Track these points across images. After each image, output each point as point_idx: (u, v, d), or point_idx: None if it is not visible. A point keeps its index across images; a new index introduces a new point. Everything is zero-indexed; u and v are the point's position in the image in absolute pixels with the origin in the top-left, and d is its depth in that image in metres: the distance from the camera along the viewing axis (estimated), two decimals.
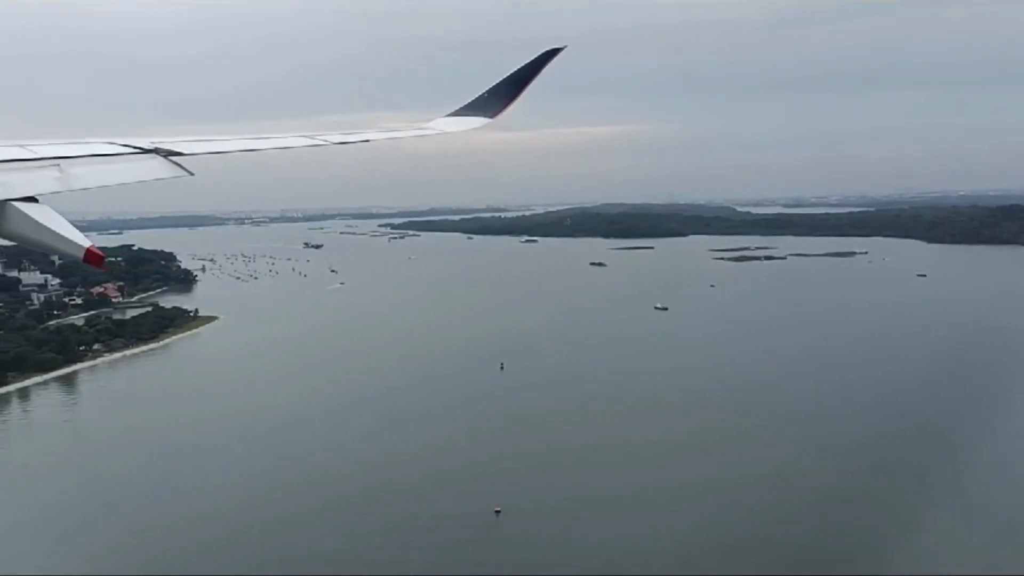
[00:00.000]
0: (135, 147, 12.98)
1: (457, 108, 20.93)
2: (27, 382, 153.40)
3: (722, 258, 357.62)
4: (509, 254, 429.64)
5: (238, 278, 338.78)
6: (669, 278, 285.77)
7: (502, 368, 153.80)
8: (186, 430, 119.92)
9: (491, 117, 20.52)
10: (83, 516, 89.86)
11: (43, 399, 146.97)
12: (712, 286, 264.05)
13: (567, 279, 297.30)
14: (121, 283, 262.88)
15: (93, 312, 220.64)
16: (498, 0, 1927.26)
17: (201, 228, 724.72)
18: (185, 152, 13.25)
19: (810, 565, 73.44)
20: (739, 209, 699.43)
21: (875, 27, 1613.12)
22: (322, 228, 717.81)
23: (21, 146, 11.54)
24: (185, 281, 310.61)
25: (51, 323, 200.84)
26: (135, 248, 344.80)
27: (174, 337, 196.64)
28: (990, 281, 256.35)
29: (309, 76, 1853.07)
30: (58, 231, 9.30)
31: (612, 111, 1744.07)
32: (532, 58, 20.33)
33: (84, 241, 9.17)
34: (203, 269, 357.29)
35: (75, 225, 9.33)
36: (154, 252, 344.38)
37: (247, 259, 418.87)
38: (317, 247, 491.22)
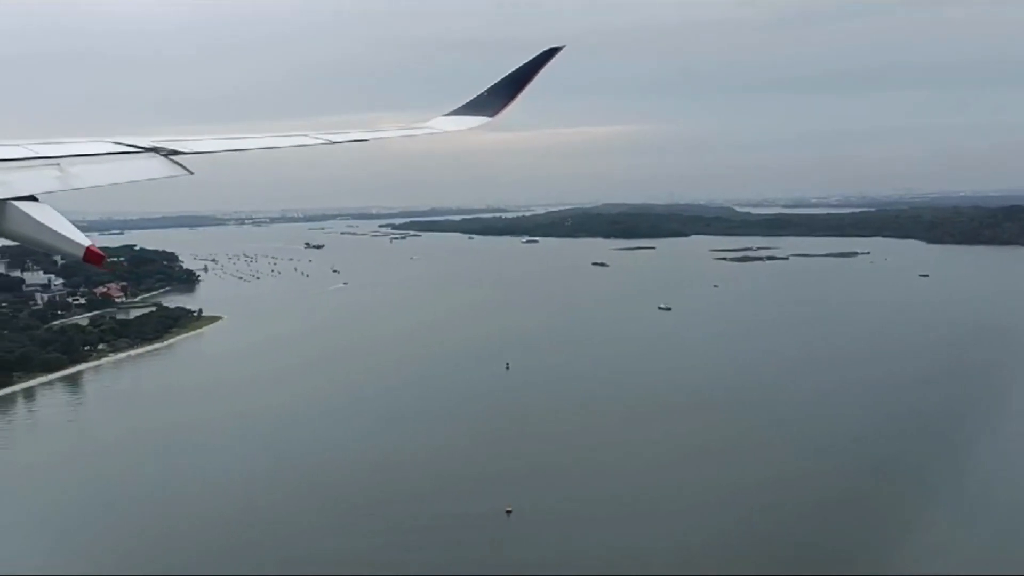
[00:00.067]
0: (135, 146, 12.98)
1: (456, 107, 20.91)
2: (32, 382, 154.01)
3: (724, 258, 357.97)
4: (511, 254, 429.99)
5: (240, 278, 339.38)
6: (672, 278, 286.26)
7: (508, 367, 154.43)
8: (196, 430, 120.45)
9: (490, 116, 20.47)
10: (88, 516, 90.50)
11: (48, 399, 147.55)
12: (715, 286, 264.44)
13: (570, 279, 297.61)
14: (124, 283, 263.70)
15: (97, 312, 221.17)
16: (498, 0, 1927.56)
17: (201, 228, 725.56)
18: (185, 151, 13.25)
19: (810, 565, 73.83)
20: (739, 209, 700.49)
21: (875, 27, 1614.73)
22: (323, 228, 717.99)
23: (21, 145, 11.47)
24: (188, 281, 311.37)
25: (55, 323, 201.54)
26: (137, 248, 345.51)
27: (178, 337, 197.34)
28: (993, 282, 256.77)
29: (309, 76, 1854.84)
30: (58, 230, 9.28)
31: (612, 111, 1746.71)
32: (531, 57, 20.28)
33: (84, 240, 9.15)
34: (205, 269, 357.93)
35: (76, 225, 9.31)
36: (156, 252, 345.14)
37: (249, 259, 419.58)
38: (318, 247, 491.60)
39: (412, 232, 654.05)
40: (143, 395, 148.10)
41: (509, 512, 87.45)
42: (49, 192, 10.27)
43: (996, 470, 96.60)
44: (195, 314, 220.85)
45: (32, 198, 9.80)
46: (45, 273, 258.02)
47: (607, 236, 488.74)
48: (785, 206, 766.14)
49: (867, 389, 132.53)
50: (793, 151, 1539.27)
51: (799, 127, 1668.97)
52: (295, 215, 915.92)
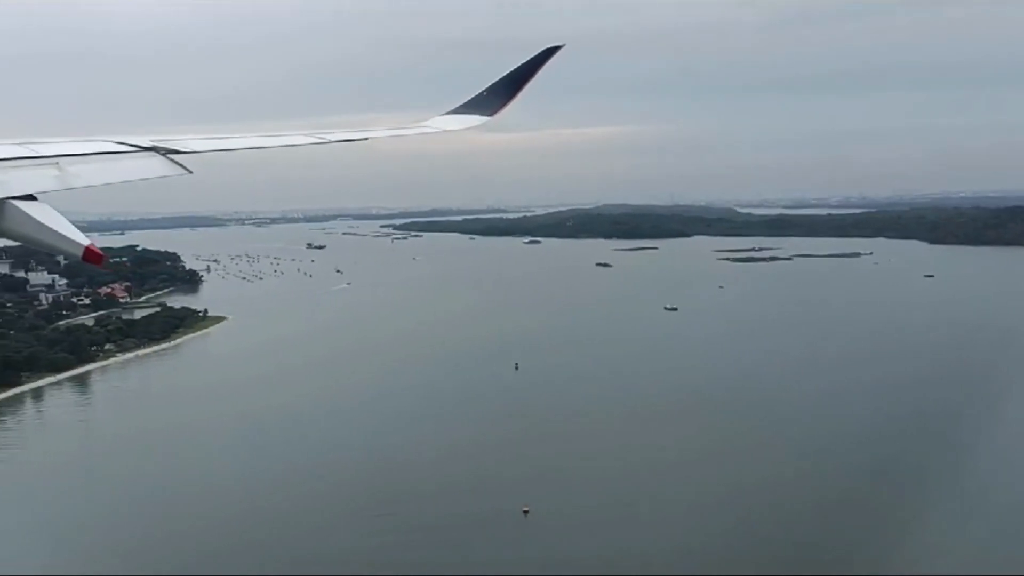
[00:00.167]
0: (134, 145, 12.93)
1: (455, 107, 20.81)
2: (41, 382, 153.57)
3: (727, 259, 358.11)
4: (513, 255, 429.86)
5: (244, 278, 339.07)
6: (676, 279, 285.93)
7: (516, 368, 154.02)
8: (205, 430, 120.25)
9: (490, 115, 20.36)
10: (96, 515, 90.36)
11: (57, 399, 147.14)
12: (721, 287, 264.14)
13: (574, 280, 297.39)
14: (128, 283, 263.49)
15: (102, 312, 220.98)
16: (498, 0, 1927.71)
17: (202, 228, 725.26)
18: (184, 150, 13.22)
19: (810, 565, 73.70)
20: (740, 210, 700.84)
21: (875, 27, 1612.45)
22: (324, 229, 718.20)
23: (20, 144, 11.41)
24: (191, 281, 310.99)
25: (60, 323, 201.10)
26: (140, 248, 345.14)
27: (185, 337, 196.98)
28: (998, 283, 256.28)
29: (309, 76, 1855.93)
30: (57, 229, 9.19)
31: (612, 111, 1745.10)
32: (531, 56, 20.18)
33: (83, 239, 9.06)
34: (208, 269, 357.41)
35: (76, 225, 9.23)
36: (158, 252, 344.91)
37: (251, 259, 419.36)
38: (320, 248, 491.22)
39: (413, 232, 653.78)
40: (152, 395, 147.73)
41: (526, 512, 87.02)
42: (48, 191, 10.19)
43: (996, 470, 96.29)
44: (201, 314, 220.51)
45: (31, 197, 9.71)
46: (49, 273, 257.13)
47: (609, 237, 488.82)
48: (785, 207, 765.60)
49: (872, 390, 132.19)
50: (793, 151, 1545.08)
51: (799, 127, 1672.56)
52: (296, 215, 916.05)
